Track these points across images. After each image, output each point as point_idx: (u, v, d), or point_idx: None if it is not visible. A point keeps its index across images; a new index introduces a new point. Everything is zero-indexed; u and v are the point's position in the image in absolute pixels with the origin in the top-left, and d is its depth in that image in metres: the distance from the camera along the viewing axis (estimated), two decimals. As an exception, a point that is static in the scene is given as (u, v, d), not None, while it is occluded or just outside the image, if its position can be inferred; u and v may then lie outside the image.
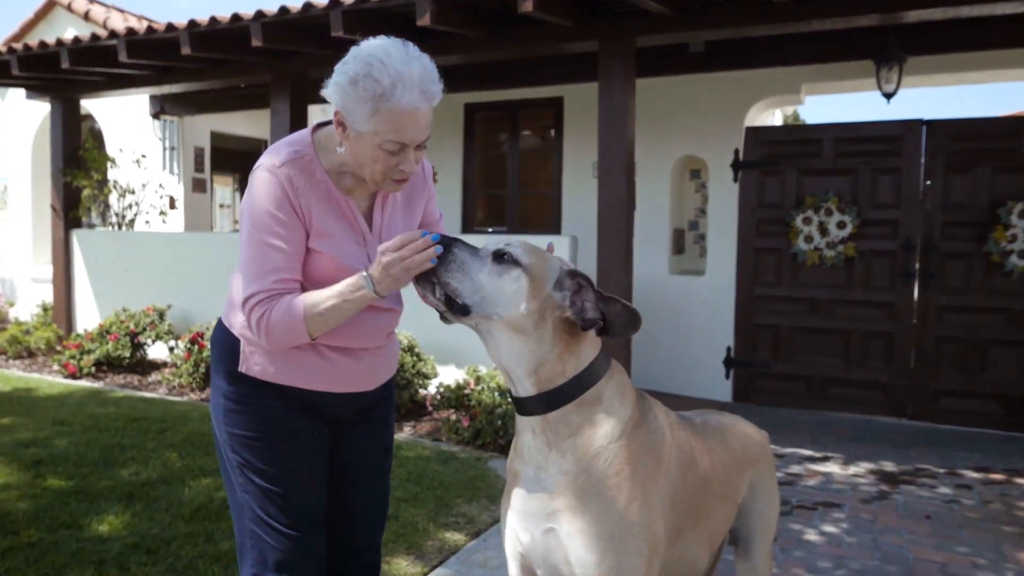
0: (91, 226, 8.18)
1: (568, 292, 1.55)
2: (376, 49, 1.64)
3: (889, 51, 5.47)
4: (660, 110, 6.63)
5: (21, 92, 8.11)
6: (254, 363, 1.81)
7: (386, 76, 1.60)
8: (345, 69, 1.65)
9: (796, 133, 6.61)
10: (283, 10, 5.18)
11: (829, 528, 3.73)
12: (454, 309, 1.55)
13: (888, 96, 5.62)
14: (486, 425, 4.70)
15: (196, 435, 4.60)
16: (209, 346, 1.95)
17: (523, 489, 1.61)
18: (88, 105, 9.22)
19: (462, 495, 3.88)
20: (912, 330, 5.85)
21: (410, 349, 5.51)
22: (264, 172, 1.72)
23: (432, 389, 5.49)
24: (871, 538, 3.61)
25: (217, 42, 5.80)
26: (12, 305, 9.59)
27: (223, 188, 13.99)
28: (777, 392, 6.26)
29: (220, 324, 1.91)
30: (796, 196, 6.14)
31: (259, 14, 5.29)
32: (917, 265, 5.80)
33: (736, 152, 6.31)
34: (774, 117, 8.53)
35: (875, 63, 5.58)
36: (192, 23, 5.58)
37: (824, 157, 6.06)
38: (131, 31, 5.84)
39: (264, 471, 1.83)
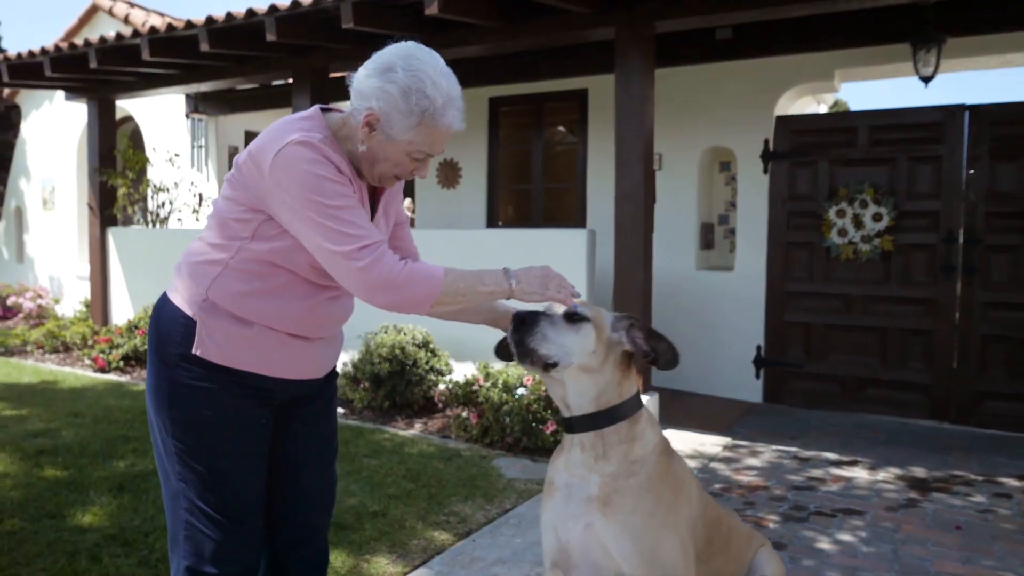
0: (127, 223, 8.34)
1: (623, 331, 1.84)
2: (425, 65, 1.67)
3: (927, 32, 5.15)
4: (687, 100, 6.41)
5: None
6: (211, 345, 1.74)
7: (439, 96, 1.66)
8: (394, 78, 1.65)
9: (828, 121, 6.29)
10: (295, 3, 5.16)
11: (846, 536, 3.49)
12: (546, 368, 1.78)
13: (926, 80, 5.29)
14: (493, 423, 4.58)
15: (202, 428, 4.59)
16: (150, 327, 1.85)
17: (566, 495, 1.82)
18: (128, 106, 9.45)
19: (458, 494, 3.77)
20: (954, 328, 5.50)
21: (424, 344, 5.42)
22: (301, 147, 1.65)
23: (443, 386, 5.40)
24: (891, 549, 3.36)
25: (236, 38, 5.82)
26: (58, 302, 9.89)
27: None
28: (810, 393, 5.97)
29: (166, 303, 1.82)
30: (829, 187, 5.85)
31: (272, 8, 5.29)
32: (959, 259, 5.45)
33: (766, 142, 6.05)
34: (819, 107, 8.19)
35: (912, 45, 5.26)
36: (209, 19, 5.61)
37: (859, 146, 5.75)
38: (153, 29, 5.91)
39: (206, 458, 1.77)
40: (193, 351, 1.74)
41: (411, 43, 1.72)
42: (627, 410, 1.82)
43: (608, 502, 1.75)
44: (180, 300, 1.79)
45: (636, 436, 1.81)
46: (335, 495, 2.08)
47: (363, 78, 1.70)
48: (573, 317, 1.81)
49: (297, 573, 2.00)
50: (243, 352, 1.75)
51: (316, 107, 1.81)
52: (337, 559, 2.96)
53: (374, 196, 1.89)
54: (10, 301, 9.73)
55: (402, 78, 1.64)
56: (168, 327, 1.79)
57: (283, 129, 1.72)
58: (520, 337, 1.76)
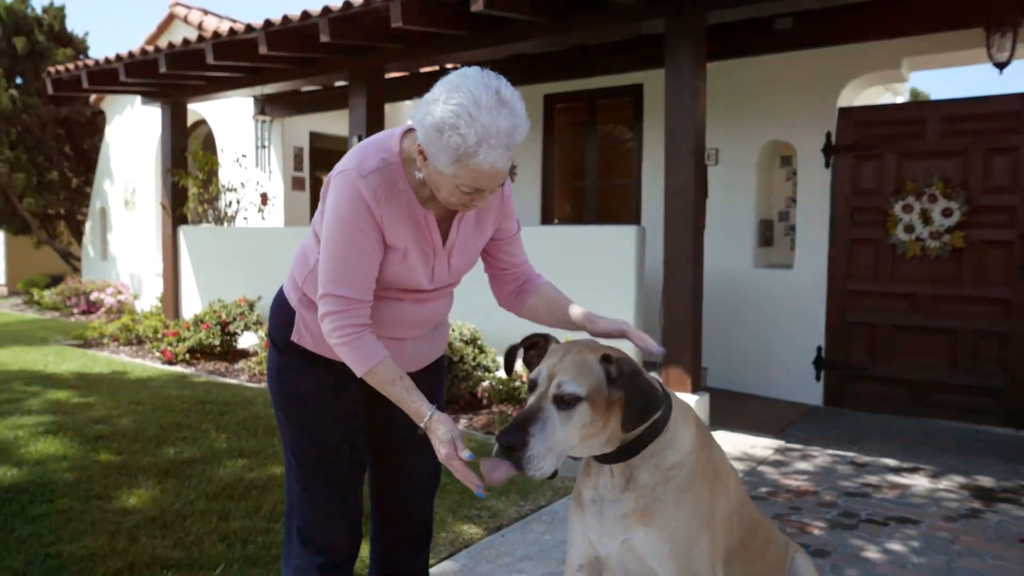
0: (198, 222, 8.68)
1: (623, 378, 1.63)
2: (467, 98, 1.57)
3: (1001, 15, 4.84)
4: (745, 93, 6.23)
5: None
6: (307, 335, 1.91)
7: (472, 134, 1.56)
8: (432, 110, 1.60)
9: (895, 113, 5.98)
10: (347, 4, 5.26)
11: (896, 546, 3.31)
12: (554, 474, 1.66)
13: (1000, 66, 4.98)
14: (535, 419, 4.54)
15: (252, 419, 4.73)
16: (270, 312, 2.07)
17: (597, 512, 1.77)
18: (202, 110, 9.83)
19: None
20: (1032, 330, 5.16)
21: (472, 341, 5.43)
22: (353, 178, 1.72)
23: (488, 382, 5.39)
24: (945, 561, 3.17)
25: (293, 41, 5.97)
26: (137, 297, 10.38)
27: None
28: (873, 396, 5.71)
29: (280, 294, 2.01)
30: (895, 181, 5.58)
31: (326, 10, 5.40)
32: (1038, 257, 5.12)
33: (828, 135, 5.82)
34: (896, 97, 7.81)
35: (985, 30, 4.96)
36: (267, 23, 5.77)
37: (928, 138, 5.46)
38: (216, 34, 6.13)
39: (308, 428, 1.95)
40: (292, 338, 1.93)
41: (468, 70, 1.63)
42: (649, 435, 1.69)
43: (647, 511, 1.69)
44: (287, 291, 1.99)
45: (666, 445, 1.71)
46: (439, 479, 2.18)
47: (414, 106, 1.69)
48: (562, 401, 1.63)
49: (399, 549, 2.16)
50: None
51: (403, 127, 1.82)
52: (363, 550, 2.99)
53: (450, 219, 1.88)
54: (93, 297, 10.28)
55: (439, 112, 1.58)
56: (277, 315, 2.00)
57: (357, 151, 1.78)
58: (514, 464, 1.57)
